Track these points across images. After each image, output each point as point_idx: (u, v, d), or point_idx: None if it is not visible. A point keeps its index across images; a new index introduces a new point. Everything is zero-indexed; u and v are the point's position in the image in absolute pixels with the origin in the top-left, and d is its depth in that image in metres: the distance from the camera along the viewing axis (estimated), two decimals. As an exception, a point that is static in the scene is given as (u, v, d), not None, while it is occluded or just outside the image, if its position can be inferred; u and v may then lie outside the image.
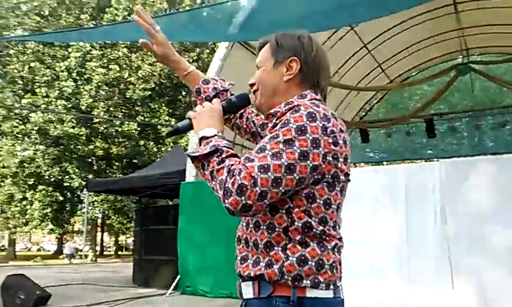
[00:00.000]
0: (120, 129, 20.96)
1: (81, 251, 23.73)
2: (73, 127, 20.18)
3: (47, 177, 21.21)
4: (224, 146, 1.17)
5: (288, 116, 1.15)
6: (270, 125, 1.24)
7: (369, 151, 12.78)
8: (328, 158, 1.14)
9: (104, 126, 21.05)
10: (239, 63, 7.46)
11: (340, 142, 1.17)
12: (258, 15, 4.54)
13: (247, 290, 1.21)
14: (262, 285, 1.17)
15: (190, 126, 1.34)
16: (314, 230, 1.15)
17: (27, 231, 23.58)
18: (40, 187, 21.31)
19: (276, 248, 1.16)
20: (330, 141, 1.14)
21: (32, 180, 21.33)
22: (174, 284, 7.44)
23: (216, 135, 1.22)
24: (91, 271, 11.77)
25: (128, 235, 37.71)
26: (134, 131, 21.10)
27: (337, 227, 1.22)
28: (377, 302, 5.21)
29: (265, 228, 1.18)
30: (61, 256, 27.57)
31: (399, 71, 11.56)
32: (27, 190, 21.53)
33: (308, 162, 1.11)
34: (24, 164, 21.09)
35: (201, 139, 1.24)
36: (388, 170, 7.64)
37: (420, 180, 5.55)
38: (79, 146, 21.05)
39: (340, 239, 1.22)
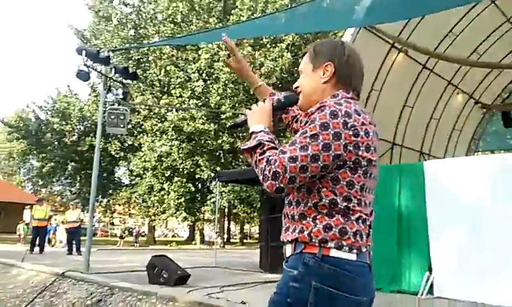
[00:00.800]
0: (244, 124, 21.88)
1: (211, 237, 25.55)
2: (203, 123, 21.65)
3: (181, 170, 23.05)
4: (267, 140, 1.45)
5: (315, 115, 1.41)
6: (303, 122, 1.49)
7: (510, 137, 11.44)
8: (348, 148, 1.38)
9: (230, 121, 22.16)
10: (364, 47, 7.36)
11: (362, 133, 1.40)
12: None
13: (288, 250, 1.50)
14: (296, 245, 1.45)
15: (245, 122, 1.60)
16: (339, 206, 1.41)
17: (165, 218, 26.02)
18: (176, 178, 23.26)
19: (308, 219, 1.44)
20: (350, 133, 1.38)
21: (169, 172, 23.31)
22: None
23: (262, 130, 1.50)
24: (221, 256, 12.59)
25: (252, 224, 39.48)
26: (257, 126, 21.82)
27: (363, 204, 1.44)
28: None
29: (302, 204, 1.45)
30: (193, 242, 29.98)
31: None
32: (165, 182, 23.59)
33: (331, 152, 1.36)
34: (162, 158, 23.19)
35: (251, 133, 1.52)
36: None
37: None
38: (209, 141, 22.54)
39: (367, 214, 1.45)
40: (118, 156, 25.35)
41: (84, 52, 7.42)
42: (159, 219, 25.93)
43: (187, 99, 21.65)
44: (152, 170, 23.39)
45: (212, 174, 21.86)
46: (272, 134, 1.51)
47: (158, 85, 23.60)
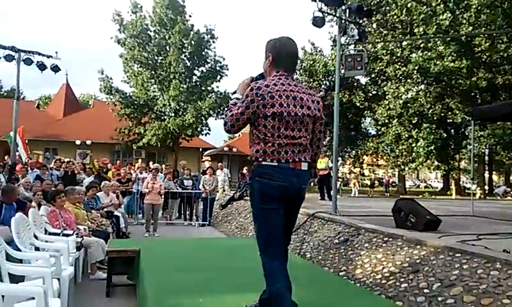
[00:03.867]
0: (505, 54, 18.55)
1: (468, 189, 23.13)
2: (453, 61, 19.40)
3: (430, 115, 21.46)
4: (232, 103, 2.69)
5: None
6: None
7: None
8: (260, 108, 2.54)
9: (487, 54, 19.18)
10: None
11: (267, 98, 2.53)
12: None
13: None
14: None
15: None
16: (260, 138, 2.59)
17: (414, 168, 24.83)
18: (424, 125, 21.76)
19: (252, 147, 2.66)
20: (259, 99, 2.54)
21: (416, 118, 21.98)
22: None
23: (234, 95, 2.76)
24: (479, 207, 11.16)
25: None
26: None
27: (276, 135, 2.56)
28: None
29: (251, 140, 2.68)
30: (448, 193, 27.86)
31: None
32: (412, 129, 22.36)
33: (250, 110, 2.55)
34: (408, 105, 22.04)
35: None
36: None
37: None
38: (461, 80, 20.11)
39: (284, 142, 2.58)
40: (362, 106, 25.41)
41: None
42: (408, 169, 24.92)
43: (432, 36, 19.68)
44: (397, 118, 22.52)
45: (467, 118, 19.48)
46: (240, 97, 2.67)
47: (400, 27, 22.27)
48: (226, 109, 2.73)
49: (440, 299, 3.93)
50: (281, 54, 2.68)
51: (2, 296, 3.08)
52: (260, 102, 2.53)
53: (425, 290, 4.17)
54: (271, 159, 2.56)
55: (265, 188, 2.56)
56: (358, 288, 4.42)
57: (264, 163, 2.57)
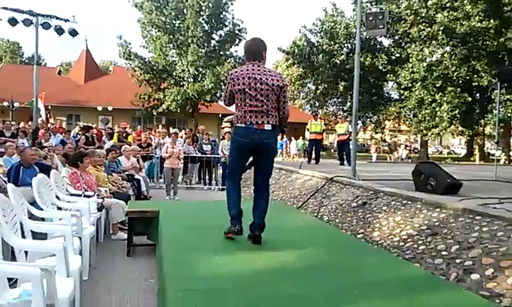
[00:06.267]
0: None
1: (492, 155, 22.61)
2: (480, 21, 18.61)
3: (454, 78, 20.83)
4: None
5: None
6: None
7: None
8: (233, 86, 3.66)
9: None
10: None
11: (234, 78, 3.65)
12: None
13: None
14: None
15: None
16: (236, 108, 3.69)
17: (437, 133, 24.29)
18: (449, 88, 21.14)
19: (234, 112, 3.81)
20: (230, 80, 3.71)
21: (441, 82, 21.37)
22: None
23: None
24: (504, 172, 10.89)
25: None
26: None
27: (246, 104, 3.61)
28: None
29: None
30: (471, 159, 27.34)
31: None
32: (436, 93, 21.76)
33: (228, 88, 3.73)
34: (432, 67, 21.39)
35: None
36: None
37: None
38: (488, 42, 19.34)
39: (252, 109, 3.61)
40: (385, 70, 24.78)
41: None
42: (431, 134, 24.42)
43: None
44: (421, 81, 21.93)
45: (493, 81, 18.82)
46: None
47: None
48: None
49: (458, 261, 3.90)
50: (247, 51, 3.82)
51: (26, 252, 3.19)
52: (232, 82, 3.68)
53: (443, 253, 4.14)
54: (241, 122, 3.63)
55: (236, 141, 3.74)
56: (375, 249, 4.41)
57: (237, 124, 3.67)
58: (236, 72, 3.70)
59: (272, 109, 3.64)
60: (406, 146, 32.20)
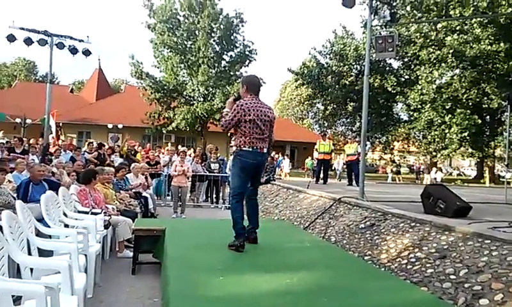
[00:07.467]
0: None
1: (503, 177, 22.33)
2: (491, 44, 18.63)
3: (464, 100, 20.74)
4: (224, 113, 4.43)
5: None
6: None
7: None
8: (241, 115, 4.25)
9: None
10: None
11: (245, 109, 4.25)
12: None
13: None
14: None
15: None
16: (241, 133, 4.32)
17: (446, 154, 24.14)
18: (458, 110, 21.08)
19: (236, 139, 4.42)
20: (240, 110, 4.26)
21: (450, 104, 21.30)
22: None
23: (225, 109, 4.47)
24: (515, 195, 10.72)
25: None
26: None
27: (253, 132, 4.30)
28: None
29: (236, 134, 4.43)
30: (481, 181, 27.01)
31: None
32: (446, 115, 21.68)
33: (236, 117, 4.27)
34: (442, 89, 21.36)
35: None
36: None
37: None
38: (498, 65, 19.30)
39: (256, 137, 4.31)
40: (394, 91, 24.80)
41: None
42: (441, 155, 24.25)
43: (469, 16, 18.90)
44: (430, 103, 21.88)
45: (503, 103, 18.72)
46: (229, 111, 4.36)
47: (435, 9, 21.48)
48: (221, 116, 4.70)
49: (466, 285, 3.83)
50: (251, 85, 4.45)
51: (31, 269, 3.20)
52: (242, 112, 4.24)
53: (452, 276, 4.07)
54: (248, 146, 4.30)
55: (243, 162, 4.35)
56: (382, 272, 4.36)
57: (244, 148, 4.31)
58: (246, 104, 4.28)
59: (268, 136, 4.43)
60: (441, 168, 31.74)
